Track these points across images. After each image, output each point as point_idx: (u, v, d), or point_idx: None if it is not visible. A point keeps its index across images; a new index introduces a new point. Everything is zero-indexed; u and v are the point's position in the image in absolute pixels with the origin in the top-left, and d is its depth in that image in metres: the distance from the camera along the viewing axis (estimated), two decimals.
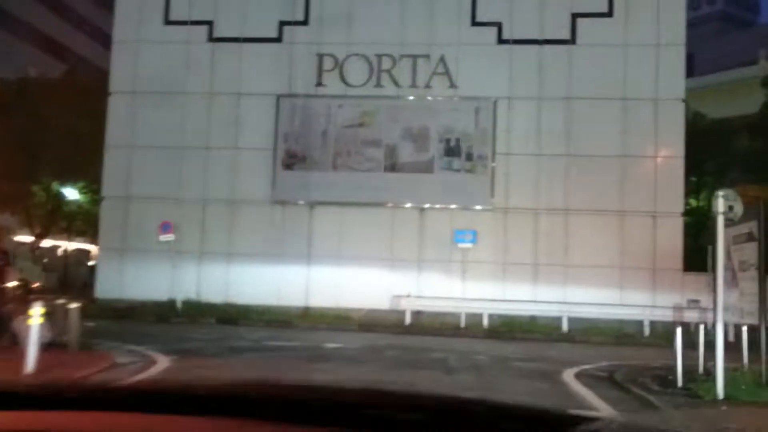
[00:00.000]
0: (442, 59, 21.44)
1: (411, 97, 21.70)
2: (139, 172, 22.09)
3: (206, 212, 21.87)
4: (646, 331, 19.43)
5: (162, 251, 21.24)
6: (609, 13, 21.11)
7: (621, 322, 19.61)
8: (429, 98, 21.62)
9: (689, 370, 10.12)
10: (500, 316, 19.92)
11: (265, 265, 21.23)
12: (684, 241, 20.72)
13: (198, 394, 1.43)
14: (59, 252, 36.84)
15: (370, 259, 20.79)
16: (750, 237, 9.59)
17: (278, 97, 21.85)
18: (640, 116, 20.66)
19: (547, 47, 21.20)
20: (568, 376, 10.45)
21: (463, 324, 19.66)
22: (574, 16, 21.20)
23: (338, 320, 19.73)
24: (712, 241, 21.31)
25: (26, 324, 9.06)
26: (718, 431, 7.08)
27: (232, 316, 20.04)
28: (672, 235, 20.30)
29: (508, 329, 19.26)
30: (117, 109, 22.53)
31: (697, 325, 19.47)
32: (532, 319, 20.00)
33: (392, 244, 20.94)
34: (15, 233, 32.27)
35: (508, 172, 21.00)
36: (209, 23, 22.45)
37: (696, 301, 20.06)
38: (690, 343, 17.90)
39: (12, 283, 13.52)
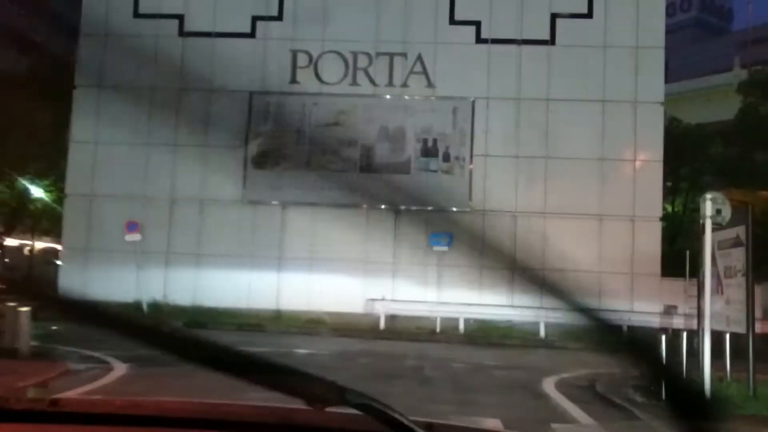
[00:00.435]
0: (419, 58, 20.99)
1: (388, 96, 21.21)
2: (105, 169, 21.30)
3: (174, 212, 21.15)
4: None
5: (128, 251, 20.47)
6: (589, 14, 20.83)
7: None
8: (406, 97, 21.15)
9: None
10: (476, 321, 19.51)
11: (235, 266, 20.58)
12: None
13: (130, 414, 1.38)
14: (26, 251, 35.68)
15: (344, 261, 20.23)
16: (737, 242, 9.24)
17: (251, 93, 21.22)
18: (619, 119, 20.41)
19: (526, 47, 20.86)
20: (549, 386, 10.01)
21: (438, 329, 19.19)
22: (554, 17, 20.90)
23: (310, 324, 19.16)
24: (691, 246, 21.24)
25: None
26: None
27: (200, 319, 19.30)
28: (650, 239, 20.07)
29: (485, 334, 18.85)
30: (82, 103, 21.71)
31: (674, 332, 19.41)
32: (509, 324, 19.59)
33: (366, 246, 20.41)
34: None
35: (485, 173, 20.60)
36: (180, 17, 21.74)
37: (674, 307, 19.86)
38: (668, 350, 17.68)
39: None
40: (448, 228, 20.31)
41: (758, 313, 14.16)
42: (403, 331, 18.93)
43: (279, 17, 21.47)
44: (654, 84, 20.59)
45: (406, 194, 20.76)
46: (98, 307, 1.18)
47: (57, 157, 23.69)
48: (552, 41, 20.86)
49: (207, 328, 18.58)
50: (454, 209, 20.64)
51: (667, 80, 27.60)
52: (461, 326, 19.26)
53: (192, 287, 20.59)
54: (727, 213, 8.74)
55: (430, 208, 20.63)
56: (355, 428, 1.29)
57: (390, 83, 21.12)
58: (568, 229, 20.06)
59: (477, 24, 20.93)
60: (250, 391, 1.20)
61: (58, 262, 31.13)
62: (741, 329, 9.31)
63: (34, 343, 11.64)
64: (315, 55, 21.28)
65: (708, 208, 8.62)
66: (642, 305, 19.57)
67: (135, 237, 20.46)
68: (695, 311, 19.54)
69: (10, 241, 34.08)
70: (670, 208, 29.99)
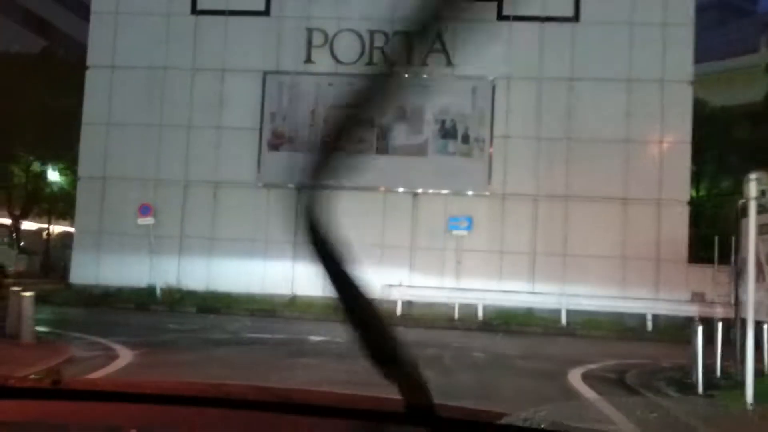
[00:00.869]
0: (438, 36, 20.19)
1: (405, 76, 20.50)
2: (117, 152, 20.92)
3: (187, 195, 20.75)
4: (649, 325, 18.50)
5: (141, 235, 20.15)
6: None
7: (622, 315, 18.68)
8: (424, 77, 20.41)
9: (704, 372, 9.14)
10: (496, 308, 18.96)
11: (249, 250, 20.17)
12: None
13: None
14: (44, 235, 35.66)
15: (360, 245, 19.53)
16: None
17: (265, 73, 20.68)
18: (645, 98, 19.62)
19: (549, 25, 20.08)
20: (575, 377, 9.47)
21: (456, 315, 18.67)
22: None
23: (326, 310, 18.68)
24: (715, 231, 20.52)
25: None
26: None
27: (213, 304, 19.04)
28: (677, 224, 19.35)
29: (504, 321, 18.31)
30: (94, 84, 21.33)
31: (701, 320, 18.74)
32: (529, 311, 19.04)
33: (383, 230, 19.90)
34: None
35: (506, 155, 19.95)
36: None
37: (701, 295, 19.18)
38: (691, 337, 17.03)
39: None
40: (467, 212, 19.77)
41: None
42: (421, 317, 18.44)
43: None
44: (682, 62, 19.74)
45: (423, 177, 20.31)
46: None
47: (71, 139, 23.40)
48: (576, 18, 20.07)
49: (220, 314, 18.30)
50: (473, 193, 20.01)
51: None
52: (480, 313, 18.72)
53: (205, 272, 20.24)
54: None
55: (448, 191, 20.09)
56: (353, 407, 1.33)
57: (407, 62, 20.41)
58: (592, 213, 19.45)
59: (498, 0, 20.16)
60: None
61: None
62: None
63: (42, 328, 11.32)
64: (331, 33, 20.68)
65: (752, 188, 7.97)
66: (668, 292, 18.93)
67: (148, 220, 20.12)
68: (724, 299, 18.98)
69: (27, 225, 34.06)
70: (694, 193, 29.15)
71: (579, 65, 19.79)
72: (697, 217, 27.39)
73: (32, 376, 1.48)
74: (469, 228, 19.53)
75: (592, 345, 15.09)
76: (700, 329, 8.96)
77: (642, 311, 18.70)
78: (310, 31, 20.75)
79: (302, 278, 19.92)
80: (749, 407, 7.62)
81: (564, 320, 18.55)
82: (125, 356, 9.24)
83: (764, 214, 9.00)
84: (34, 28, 37.81)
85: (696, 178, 29.39)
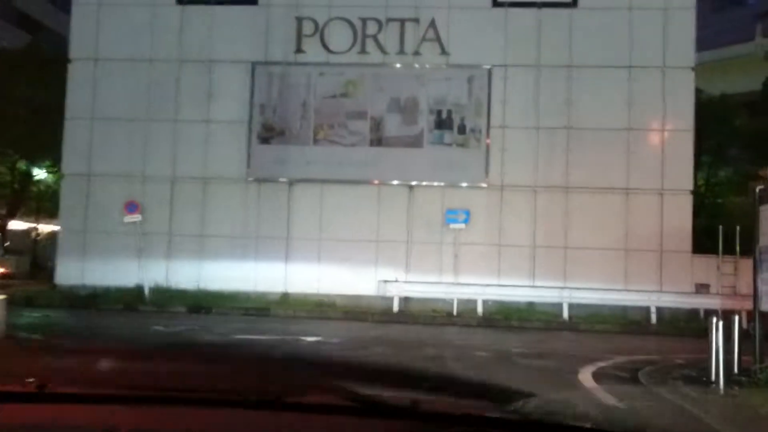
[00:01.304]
0: (432, 24, 19.66)
1: (398, 65, 19.93)
2: (102, 147, 20.23)
3: (175, 191, 20.07)
4: (653, 318, 17.98)
5: (128, 233, 19.51)
6: None
7: (625, 308, 18.17)
8: (417, 66, 19.86)
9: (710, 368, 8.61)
10: (495, 303, 18.42)
11: (240, 247, 19.56)
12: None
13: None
14: (34, 234, 34.91)
15: (355, 241, 19.15)
16: None
17: (253, 64, 20.01)
18: (646, 86, 19.06)
19: (546, 11, 19.48)
20: (586, 377, 8.90)
21: (455, 311, 18.11)
22: None
23: (320, 307, 18.15)
24: (720, 221, 20.02)
25: None
26: None
27: (204, 303, 18.42)
28: (681, 214, 18.82)
29: (505, 316, 17.79)
30: (77, 78, 20.60)
31: (706, 313, 18.24)
32: (530, 305, 18.50)
33: (378, 224, 19.31)
34: None
35: (503, 146, 19.35)
36: None
37: (706, 286, 18.68)
38: (701, 331, 16.52)
39: None
40: (464, 204, 19.19)
41: None
42: (419, 314, 17.88)
43: None
44: (684, 47, 19.17)
45: (419, 169, 19.71)
46: None
47: (58, 136, 22.69)
48: (574, 3, 19.47)
49: (211, 313, 17.70)
50: (469, 185, 19.42)
51: None
52: (479, 308, 18.17)
53: (195, 270, 19.61)
54: None
55: (444, 183, 19.49)
56: (338, 403, 1.31)
57: (401, 51, 19.82)
58: (593, 204, 18.91)
59: None
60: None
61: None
62: None
63: (19, 333, 10.69)
64: (321, 22, 20.00)
65: None
66: (671, 284, 18.42)
67: (135, 218, 19.48)
68: (729, 290, 18.49)
69: (15, 224, 33.33)
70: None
71: (578, 52, 19.21)
72: (697, 208, 26.91)
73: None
74: (466, 221, 18.96)
75: (597, 340, 14.57)
76: (720, 324, 8.38)
77: (645, 304, 18.18)
78: (299, 19, 20.07)
79: (295, 275, 19.36)
80: None
81: (566, 314, 18.01)
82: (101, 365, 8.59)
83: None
84: (17, 23, 36.95)
85: (694, 168, 28.88)
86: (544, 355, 11.53)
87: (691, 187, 19.31)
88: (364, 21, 19.77)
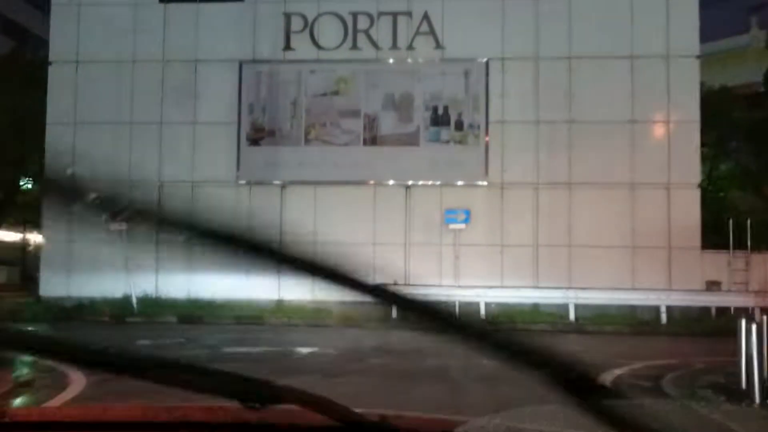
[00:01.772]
0: (425, 17, 18.94)
1: (391, 61, 19.19)
2: (85, 152, 19.40)
3: (163, 196, 18.98)
4: (663, 318, 17.24)
5: (114, 242, 18.61)
6: None
7: (634, 308, 17.45)
8: (411, 61, 19.12)
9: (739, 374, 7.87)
10: (499, 305, 17.68)
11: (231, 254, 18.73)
12: None
13: None
14: (22, 246, 34.18)
15: (350, 244, 18.36)
16: None
17: (241, 63, 19.26)
18: (649, 76, 18.36)
19: (544, 0, 18.77)
20: None
21: (457, 315, 17.32)
22: None
23: (315, 315, 17.36)
24: (725, 215, 19.36)
25: None
26: None
27: (195, 313, 17.68)
28: (689, 209, 18.12)
29: (509, 319, 17.00)
30: (58, 81, 19.83)
31: (717, 311, 17.55)
32: (535, 307, 17.75)
33: (375, 226, 18.55)
34: None
35: (503, 142, 18.62)
36: None
37: (717, 283, 17.97)
38: (714, 331, 15.80)
39: None
40: (464, 203, 18.47)
41: None
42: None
43: None
44: (688, 35, 18.50)
45: (416, 168, 18.96)
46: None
47: (43, 142, 21.96)
48: None
49: (203, 323, 16.95)
50: (470, 183, 18.68)
51: None
52: (482, 311, 17.41)
53: (185, 278, 18.76)
54: None
55: (442, 182, 18.76)
56: (307, 424, 1.29)
57: (394, 46, 19.08)
58: (597, 200, 18.20)
59: None
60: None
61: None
62: None
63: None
64: (310, 17, 19.26)
65: None
66: (681, 282, 17.71)
67: (120, 225, 18.60)
68: (741, 287, 17.80)
69: (8, 236, 32.65)
70: None
71: (578, 42, 18.50)
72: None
73: None
74: (466, 221, 18.23)
75: (607, 343, 13.81)
76: (753, 327, 7.62)
77: (655, 303, 17.44)
78: (287, 15, 19.33)
79: (289, 281, 18.49)
80: None
81: (572, 315, 17.28)
82: (77, 385, 7.83)
83: None
84: (2, 29, 36.13)
85: None
86: None
87: (698, 180, 18.62)
88: (354, 15, 19.04)
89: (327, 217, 18.58)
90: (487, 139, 18.74)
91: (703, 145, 27.55)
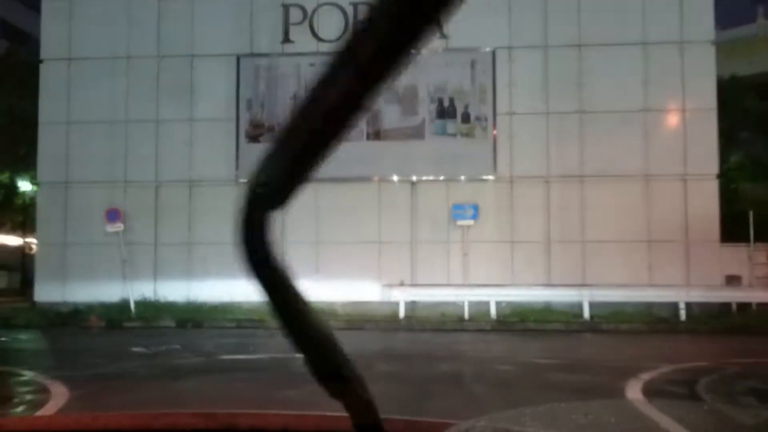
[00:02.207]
0: None
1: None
2: (79, 153, 18.83)
3: (160, 196, 18.66)
4: (682, 315, 16.52)
5: (110, 244, 18.10)
6: None
7: (651, 305, 16.72)
8: (414, 51, 18.39)
9: None
10: (510, 304, 16.99)
11: (231, 254, 17.99)
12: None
13: None
14: (25, 250, 33.60)
15: (355, 243, 17.72)
16: None
17: (238, 57, 18.59)
18: (663, 63, 17.61)
19: None
20: (636, 396, 7.46)
21: (467, 315, 16.68)
22: None
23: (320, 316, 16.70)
24: (738, 207, 18.63)
25: None
26: None
27: (194, 316, 17.04)
28: (706, 201, 17.39)
29: (520, 319, 16.36)
30: (50, 79, 19.20)
31: (738, 307, 16.83)
32: (547, 305, 17.06)
33: (380, 224, 17.88)
34: None
35: (511, 134, 17.91)
36: None
37: (737, 278, 17.25)
38: (730, 327, 15.09)
39: None
40: (472, 199, 17.79)
41: None
42: (427, 319, 16.46)
43: None
44: (703, 20, 17.74)
45: (421, 162, 18.26)
46: None
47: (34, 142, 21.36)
48: None
49: (202, 327, 16.31)
50: (478, 177, 17.99)
51: None
52: (493, 311, 16.73)
53: (185, 280, 18.22)
54: None
55: (448, 177, 18.08)
56: (299, 429, 1.29)
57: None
58: (611, 193, 17.48)
59: None
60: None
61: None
62: None
63: None
64: (310, 8, 18.59)
65: None
66: (699, 277, 16.99)
67: (117, 227, 18.08)
68: (763, 282, 17.08)
69: (6, 240, 32.09)
70: None
71: (588, 30, 17.76)
72: None
73: None
74: (475, 216, 17.54)
75: (627, 344, 13.13)
76: None
77: (673, 300, 16.72)
78: (286, 7, 18.65)
79: None
80: None
81: (587, 314, 16.58)
82: (58, 400, 7.16)
83: None
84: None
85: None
86: (575, 367, 10.06)
87: (716, 170, 17.86)
88: (355, 6, 18.33)
89: (330, 215, 17.91)
90: (495, 131, 18.04)
91: None
